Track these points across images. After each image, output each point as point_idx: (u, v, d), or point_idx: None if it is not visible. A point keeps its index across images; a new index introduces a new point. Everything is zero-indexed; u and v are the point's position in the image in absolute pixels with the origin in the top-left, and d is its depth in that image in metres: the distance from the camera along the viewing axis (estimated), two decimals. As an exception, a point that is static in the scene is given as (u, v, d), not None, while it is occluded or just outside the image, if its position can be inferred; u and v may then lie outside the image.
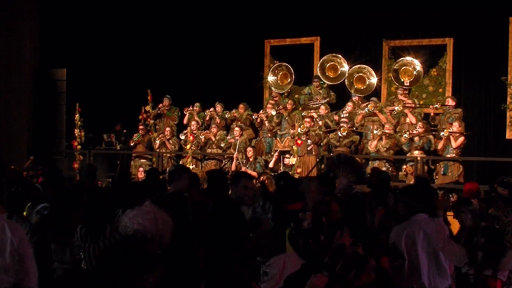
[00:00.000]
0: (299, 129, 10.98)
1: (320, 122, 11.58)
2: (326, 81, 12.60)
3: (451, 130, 10.26)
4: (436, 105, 11.03)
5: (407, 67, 12.04)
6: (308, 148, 11.11)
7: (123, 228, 3.37)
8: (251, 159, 11.15)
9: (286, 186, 5.82)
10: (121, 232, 3.41)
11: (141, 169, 11.67)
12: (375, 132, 10.83)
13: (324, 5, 13.22)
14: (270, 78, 13.27)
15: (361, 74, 12.32)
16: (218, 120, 12.55)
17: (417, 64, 11.95)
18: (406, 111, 11.09)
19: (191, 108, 12.97)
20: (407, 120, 11.09)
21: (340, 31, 13.54)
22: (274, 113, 12.04)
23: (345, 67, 12.51)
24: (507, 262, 4.83)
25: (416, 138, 10.43)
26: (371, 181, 6.10)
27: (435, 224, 4.49)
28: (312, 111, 12.06)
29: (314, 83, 12.56)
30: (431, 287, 4.44)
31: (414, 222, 4.45)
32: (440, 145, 10.36)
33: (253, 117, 12.44)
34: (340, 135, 10.95)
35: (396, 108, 11.15)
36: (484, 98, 12.28)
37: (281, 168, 11.26)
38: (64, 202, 5.64)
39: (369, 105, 11.25)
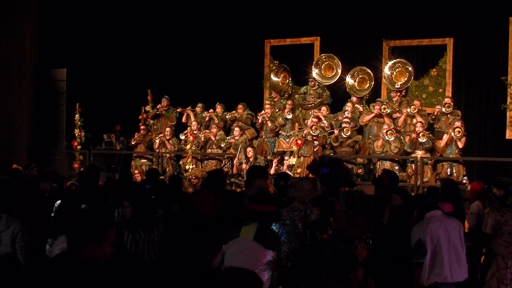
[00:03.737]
0: (310, 130, 10.93)
1: (325, 122, 11.58)
2: (322, 81, 12.59)
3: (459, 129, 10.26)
4: (444, 109, 10.94)
5: (400, 68, 12.06)
6: (315, 149, 11.10)
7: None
8: (251, 159, 11.14)
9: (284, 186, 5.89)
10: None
11: (136, 171, 11.65)
12: (390, 138, 10.65)
13: (324, 5, 13.23)
14: (274, 78, 13.28)
15: (364, 76, 12.34)
16: (217, 121, 12.54)
17: (407, 63, 11.96)
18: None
19: (189, 108, 12.97)
20: (414, 121, 11.08)
21: (340, 31, 13.53)
22: (289, 116, 11.97)
23: (340, 67, 12.52)
24: None
25: (423, 137, 10.41)
26: (384, 182, 6.11)
27: (453, 221, 4.58)
28: (317, 111, 12.03)
29: (310, 83, 12.56)
30: (453, 279, 4.57)
31: (433, 218, 4.55)
32: (442, 144, 10.37)
33: (257, 117, 12.41)
34: (344, 135, 10.94)
35: (408, 110, 11.11)
36: (484, 98, 12.28)
37: (281, 169, 11.25)
38: (66, 201, 5.67)
39: (382, 107, 11.21)
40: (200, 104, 13.07)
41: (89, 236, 2.82)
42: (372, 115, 11.48)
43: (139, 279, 3.94)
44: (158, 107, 13.09)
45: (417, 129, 10.62)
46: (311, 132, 10.91)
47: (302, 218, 4.69)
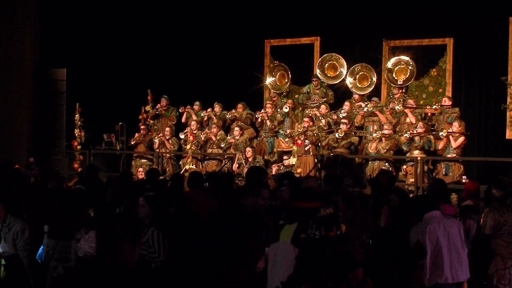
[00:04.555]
0: (297, 129, 10.99)
1: (323, 121, 11.58)
2: (324, 80, 12.59)
3: (450, 130, 10.25)
4: (434, 106, 10.98)
5: (401, 66, 12.05)
6: (306, 148, 11.11)
7: (78, 249, 3.45)
8: (250, 159, 11.14)
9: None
10: (78, 253, 3.48)
11: (140, 169, 11.67)
12: (374, 135, 10.81)
13: (324, 5, 13.22)
14: (268, 80, 13.26)
15: (364, 72, 12.33)
16: (215, 120, 12.54)
17: (410, 62, 11.94)
18: (407, 110, 11.05)
19: (188, 107, 12.96)
20: (407, 120, 11.07)
21: (340, 31, 13.53)
22: (286, 110, 11.99)
23: (345, 68, 12.51)
24: None
25: (416, 138, 10.41)
26: (381, 182, 6.10)
27: (452, 221, 4.59)
28: (314, 109, 12.03)
29: (313, 82, 12.56)
30: (454, 280, 4.57)
31: (432, 219, 4.56)
32: (440, 145, 10.34)
33: (256, 116, 12.41)
34: (337, 136, 10.94)
35: (396, 107, 11.12)
36: (484, 98, 12.27)
37: (281, 168, 11.25)
38: (69, 200, 5.67)
39: (368, 105, 11.24)
40: (197, 102, 13.05)
41: (128, 238, 2.73)
42: (360, 115, 11.46)
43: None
44: (157, 107, 13.09)
45: (418, 129, 10.57)
46: (292, 133, 10.96)
47: (313, 213, 4.69)
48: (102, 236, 2.79)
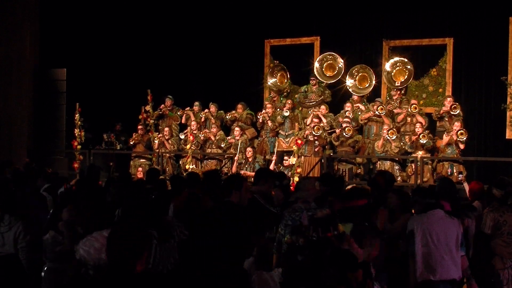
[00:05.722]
0: (312, 130, 10.94)
1: (325, 122, 11.59)
2: (323, 80, 12.58)
3: (455, 130, 10.26)
4: (451, 112, 10.84)
5: (399, 67, 12.04)
6: (316, 149, 11.11)
7: (76, 251, 3.42)
8: (250, 159, 11.15)
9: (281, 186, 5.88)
10: (75, 255, 3.45)
11: (140, 169, 11.66)
12: (391, 138, 10.69)
13: (324, 5, 13.23)
14: (270, 81, 13.24)
15: (364, 73, 12.32)
16: (213, 121, 12.54)
17: (407, 62, 11.93)
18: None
19: (187, 109, 12.97)
20: (414, 120, 11.08)
21: (340, 31, 13.53)
22: (287, 114, 11.98)
23: (341, 64, 12.48)
24: None
25: (423, 138, 10.43)
26: (379, 183, 6.08)
27: (451, 220, 4.61)
28: (316, 110, 12.02)
29: (311, 82, 12.55)
30: (447, 277, 4.61)
31: (431, 216, 4.58)
32: (443, 143, 10.38)
33: (258, 116, 12.40)
34: (346, 135, 10.93)
35: (409, 109, 11.15)
36: (484, 98, 12.29)
37: (281, 168, 11.26)
38: (65, 201, 5.65)
39: (379, 107, 11.19)
40: (197, 103, 13.05)
41: (147, 248, 2.72)
42: (369, 114, 11.49)
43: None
44: (161, 107, 13.06)
45: (416, 129, 10.63)
46: (313, 133, 10.92)
47: (308, 211, 4.69)
48: (116, 243, 2.71)
